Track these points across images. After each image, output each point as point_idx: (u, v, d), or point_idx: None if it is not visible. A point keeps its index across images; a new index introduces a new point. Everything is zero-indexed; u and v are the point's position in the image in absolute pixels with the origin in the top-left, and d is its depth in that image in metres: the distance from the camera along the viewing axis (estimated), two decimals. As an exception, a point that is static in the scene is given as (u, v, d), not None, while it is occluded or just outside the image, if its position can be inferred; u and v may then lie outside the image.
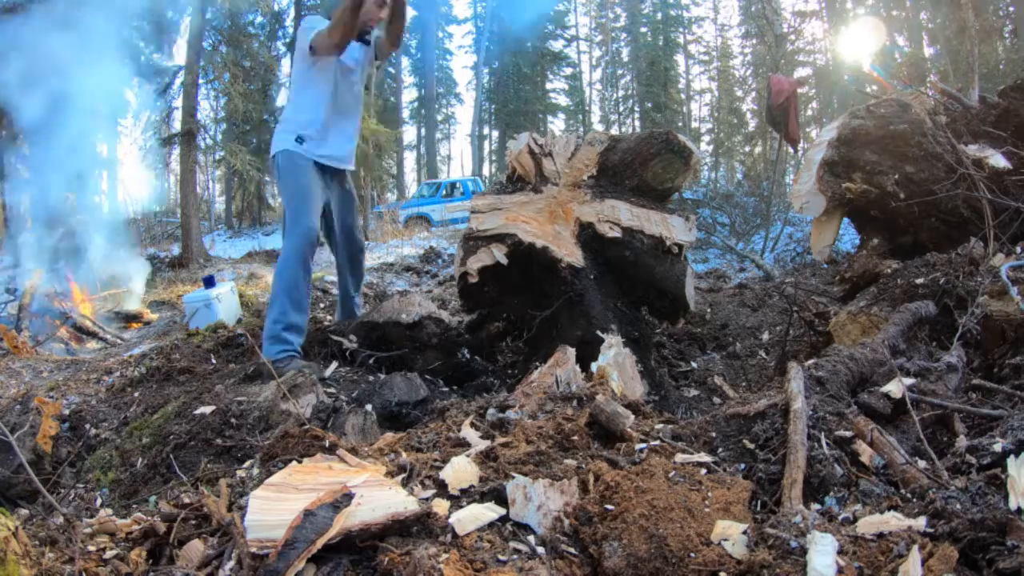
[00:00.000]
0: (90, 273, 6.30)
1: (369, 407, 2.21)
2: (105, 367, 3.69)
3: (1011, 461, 1.14)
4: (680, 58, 29.94)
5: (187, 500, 1.41)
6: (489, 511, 1.21)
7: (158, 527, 1.29)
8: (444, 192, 17.16)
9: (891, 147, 3.36)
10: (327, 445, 1.56)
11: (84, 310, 5.40)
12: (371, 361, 2.96)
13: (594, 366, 2.32)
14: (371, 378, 2.73)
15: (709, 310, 4.30)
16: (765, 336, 3.82)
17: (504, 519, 1.22)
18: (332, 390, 2.54)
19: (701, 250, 8.13)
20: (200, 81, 11.00)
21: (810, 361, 1.89)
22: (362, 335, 3.08)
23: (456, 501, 1.29)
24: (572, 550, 1.16)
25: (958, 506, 1.09)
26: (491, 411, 1.81)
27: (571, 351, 2.29)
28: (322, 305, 4.99)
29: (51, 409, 2.43)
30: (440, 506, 1.24)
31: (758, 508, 1.30)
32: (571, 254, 2.74)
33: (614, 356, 2.41)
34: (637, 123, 28.56)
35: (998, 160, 3.38)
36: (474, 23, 30.83)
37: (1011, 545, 0.98)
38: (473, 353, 3.14)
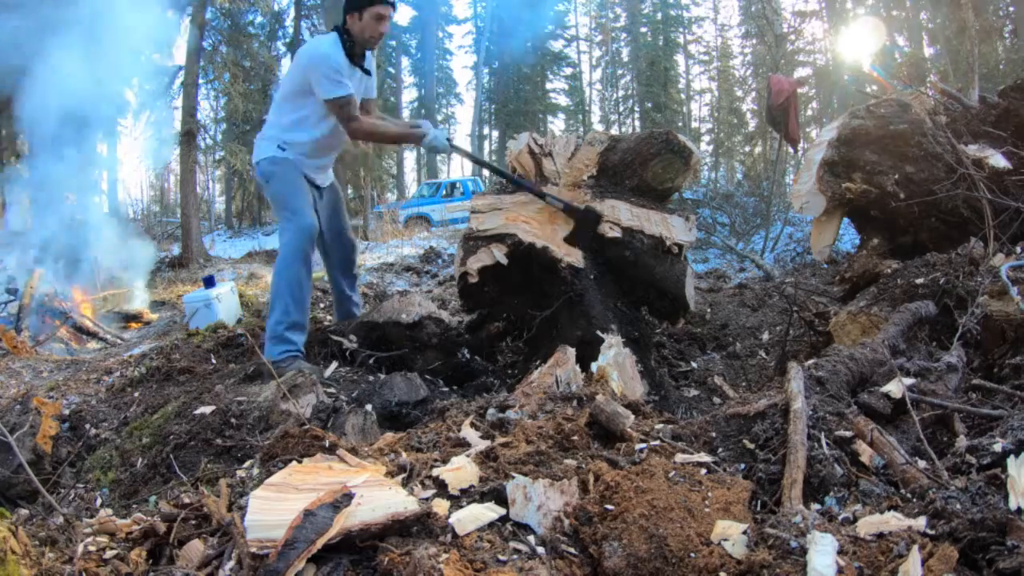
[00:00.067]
0: (91, 273, 6.30)
1: (369, 407, 2.21)
2: (105, 367, 3.70)
3: (1011, 461, 1.14)
4: (680, 58, 29.93)
5: (187, 500, 1.41)
6: (489, 511, 1.21)
7: (158, 527, 1.29)
8: (444, 192, 17.16)
9: (891, 147, 3.36)
10: (327, 445, 1.56)
11: (84, 310, 5.40)
12: (371, 361, 2.96)
13: (594, 366, 2.32)
14: (371, 378, 2.73)
15: (709, 310, 4.30)
16: (765, 336, 3.82)
17: (504, 519, 1.22)
18: (332, 390, 2.54)
19: (701, 250, 8.13)
20: (200, 81, 11.00)
21: (810, 361, 1.89)
22: (362, 335, 3.08)
23: (456, 501, 1.29)
24: (572, 550, 1.16)
25: (958, 506, 1.09)
26: (491, 411, 1.81)
27: (571, 351, 2.29)
28: (322, 305, 4.98)
29: (51, 409, 2.43)
30: (440, 506, 1.24)
31: (758, 508, 1.30)
32: (571, 254, 2.74)
33: (614, 356, 2.41)
34: (637, 123, 28.55)
35: (998, 160, 3.38)
36: (474, 23, 30.82)
37: (1011, 545, 0.98)
38: (473, 353, 3.14)
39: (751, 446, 1.51)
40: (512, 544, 1.15)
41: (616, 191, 2.84)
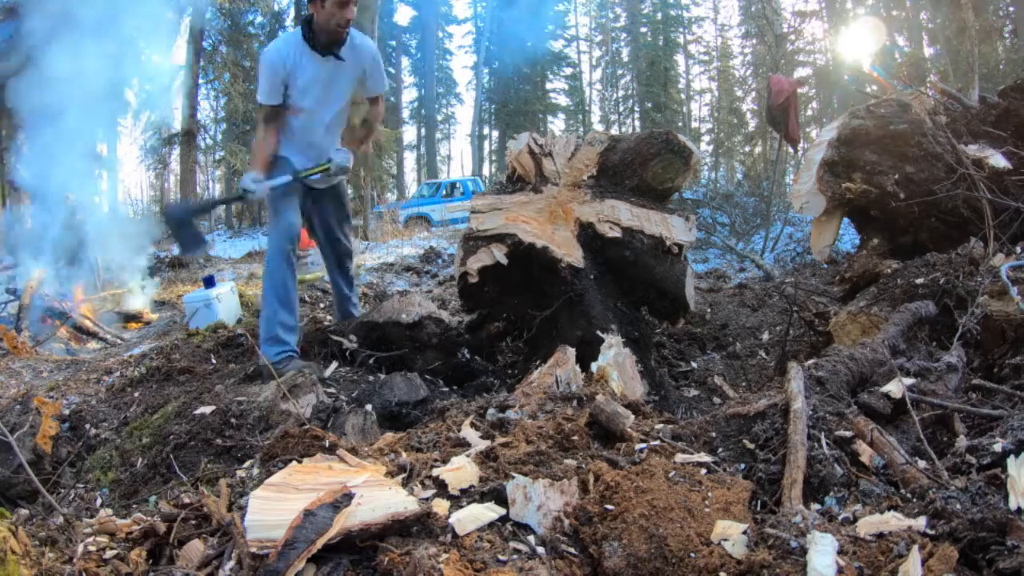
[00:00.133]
0: (91, 273, 6.30)
1: (369, 407, 2.21)
2: (105, 367, 3.70)
3: (1011, 461, 1.14)
4: (680, 58, 29.95)
5: (187, 500, 1.41)
6: (489, 511, 1.21)
7: (158, 527, 1.29)
8: (444, 192, 17.16)
9: (891, 147, 3.36)
10: (327, 445, 1.56)
11: (84, 310, 5.40)
12: (371, 361, 2.96)
13: (594, 366, 2.32)
14: (371, 378, 2.73)
15: (709, 310, 4.30)
16: (765, 336, 3.82)
17: (504, 519, 1.22)
18: (332, 390, 2.54)
19: (701, 250, 8.12)
20: (200, 81, 11.01)
21: (810, 361, 1.89)
22: (362, 335, 3.08)
23: (456, 501, 1.29)
24: (572, 550, 1.16)
25: (958, 506, 1.09)
26: (491, 411, 1.81)
27: (571, 351, 2.29)
28: (322, 305, 4.99)
29: (51, 409, 2.43)
30: (440, 506, 1.24)
31: (758, 508, 1.30)
32: (571, 254, 2.74)
33: (614, 356, 2.41)
34: (637, 123, 28.56)
35: (998, 160, 3.38)
36: (474, 23, 30.84)
37: (1011, 545, 0.98)
38: (473, 353, 3.14)
39: (751, 446, 1.51)
40: (512, 544, 1.15)
41: (616, 191, 2.84)
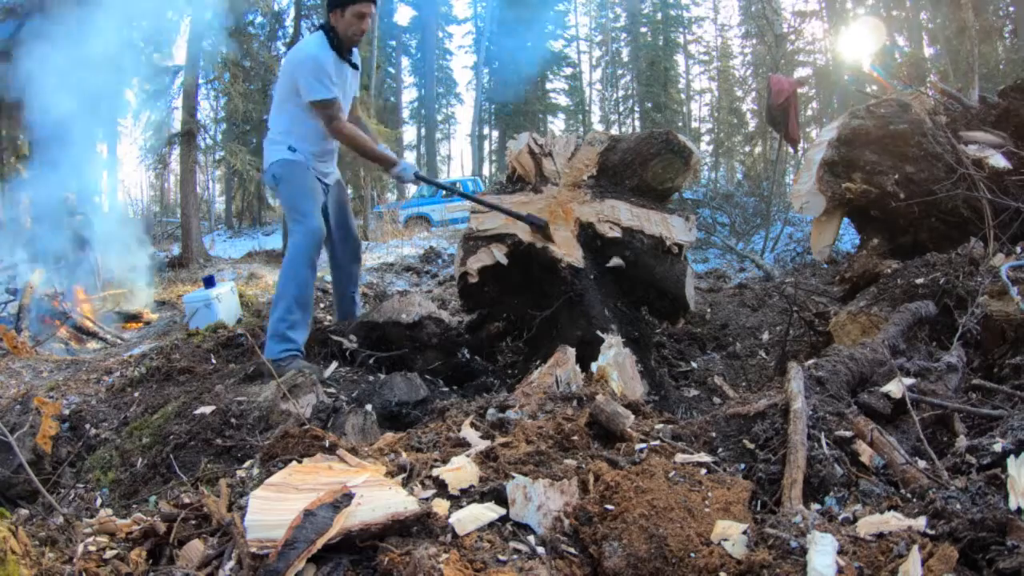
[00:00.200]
0: (91, 273, 6.30)
1: (369, 407, 2.21)
2: (105, 367, 3.70)
3: (1011, 461, 1.14)
4: (680, 58, 29.91)
5: (187, 500, 1.41)
6: (489, 511, 1.21)
7: (158, 527, 1.29)
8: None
9: (891, 147, 3.36)
10: (327, 445, 1.56)
11: (84, 310, 5.40)
12: (371, 361, 2.96)
13: (594, 366, 2.32)
14: (371, 378, 2.73)
15: (709, 310, 4.30)
16: (765, 336, 3.82)
17: (504, 519, 1.22)
18: (332, 390, 2.54)
19: (701, 250, 8.13)
20: (200, 81, 11.00)
21: (810, 361, 1.89)
22: (362, 335, 3.08)
23: (456, 501, 1.29)
24: (572, 550, 1.16)
25: (958, 506, 1.09)
26: (491, 411, 1.81)
27: (571, 351, 2.29)
28: (322, 305, 4.99)
29: (51, 409, 2.43)
30: (440, 506, 1.24)
31: (758, 508, 1.30)
32: (571, 254, 2.74)
33: (614, 356, 2.41)
34: (637, 123, 28.55)
35: (998, 160, 3.38)
36: (474, 23, 30.82)
37: (1011, 545, 0.98)
38: (473, 353, 3.14)
39: (751, 446, 1.51)
40: (512, 544, 1.15)
41: (616, 191, 2.84)
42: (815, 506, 1.28)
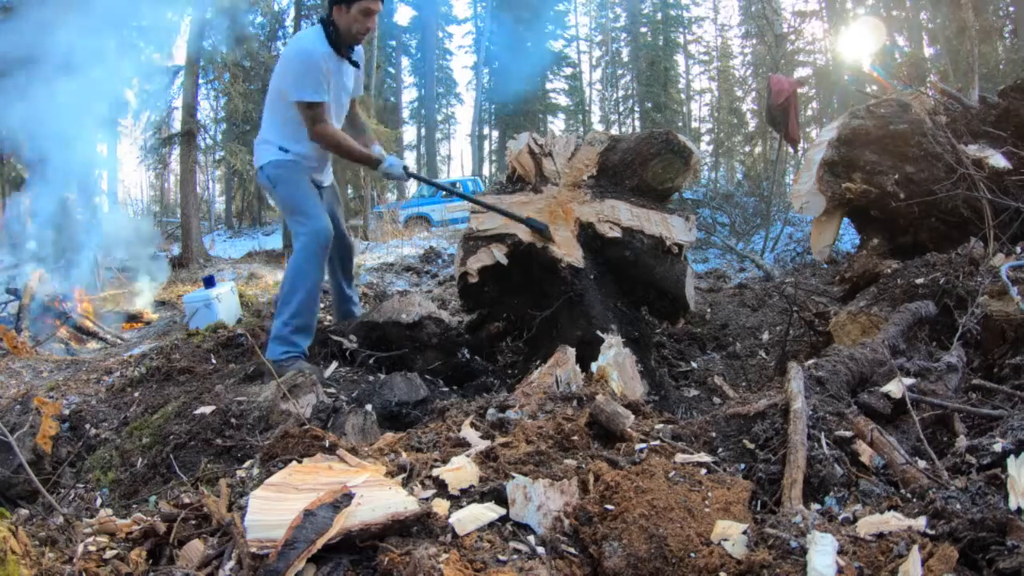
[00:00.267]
0: (91, 273, 6.30)
1: (369, 407, 2.21)
2: (105, 367, 3.70)
3: (1011, 461, 1.14)
4: (680, 58, 29.92)
5: (187, 500, 1.41)
6: (489, 511, 1.21)
7: (158, 527, 1.29)
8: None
9: (891, 147, 3.36)
10: (327, 445, 1.56)
11: (84, 310, 5.40)
12: (371, 361, 2.96)
13: (594, 366, 2.32)
14: (371, 378, 2.73)
15: (709, 310, 4.30)
16: (765, 336, 3.82)
17: (504, 519, 1.22)
18: (332, 390, 2.54)
19: (701, 250, 8.13)
20: (200, 81, 11.00)
21: (810, 361, 1.89)
22: (362, 335, 3.08)
23: (456, 501, 1.29)
24: (572, 550, 1.16)
25: (958, 506, 1.09)
26: (491, 411, 1.81)
27: (571, 351, 2.29)
28: (322, 305, 4.99)
29: (51, 409, 2.43)
30: (440, 506, 1.24)
31: (758, 508, 1.30)
32: (571, 254, 2.74)
33: (614, 356, 2.41)
34: (637, 123, 28.55)
35: (998, 160, 3.38)
36: (474, 23, 30.83)
37: (1011, 545, 0.98)
38: (473, 353, 3.14)
39: (751, 446, 1.51)
40: (512, 544, 1.15)
41: (616, 191, 2.84)
42: (815, 506, 1.28)
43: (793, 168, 14.70)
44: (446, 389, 2.85)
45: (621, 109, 29.92)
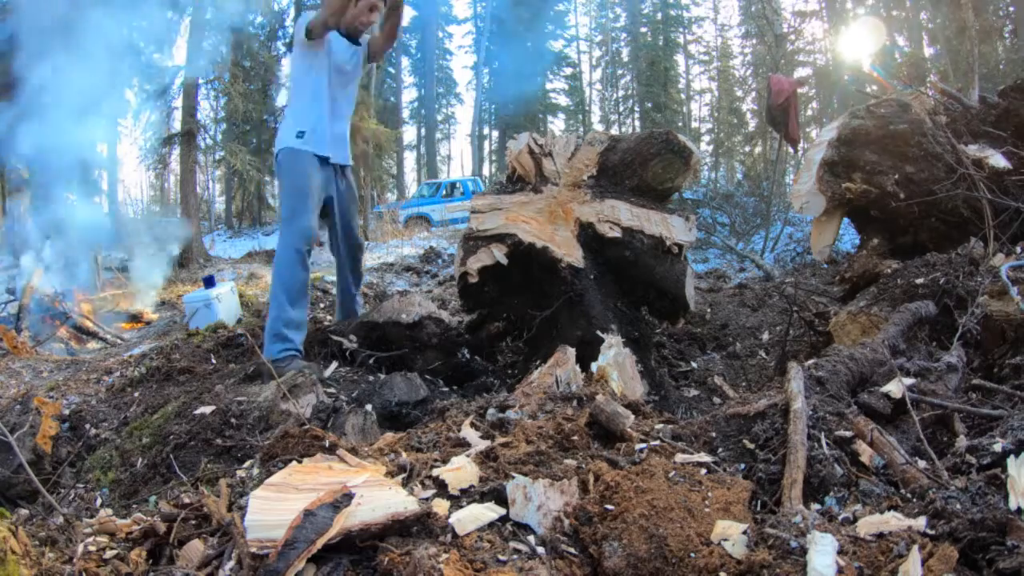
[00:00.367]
0: (91, 273, 6.30)
1: (369, 407, 2.21)
2: (105, 367, 3.70)
3: (1011, 461, 1.14)
4: (680, 58, 29.95)
5: (187, 500, 1.41)
6: (489, 511, 1.21)
7: (158, 527, 1.29)
8: (444, 192, 17.16)
9: (891, 147, 3.36)
10: (327, 445, 1.56)
11: (84, 310, 5.40)
12: (371, 361, 2.96)
13: (594, 366, 2.32)
14: (371, 378, 2.73)
15: (709, 310, 4.30)
16: (765, 336, 3.82)
17: (504, 519, 1.22)
18: (332, 390, 2.54)
19: (701, 250, 8.13)
20: (200, 81, 11.00)
21: (810, 361, 1.89)
22: (362, 335, 3.08)
23: (456, 501, 1.29)
24: (572, 550, 1.16)
25: (958, 506, 1.09)
26: (491, 411, 1.81)
27: (571, 351, 2.29)
28: (322, 305, 4.99)
29: (51, 409, 2.43)
30: (440, 506, 1.24)
31: (758, 508, 1.30)
32: (571, 254, 2.74)
33: (614, 356, 2.41)
34: (637, 123, 28.57)
35: (998, 160, 3.38)
36: (474, 23, 30.83)
37: (1011, 545, 0.98)
38: (473, 353, 3.14)
39: (751, 446, 1.51)
40: (512, 544, 1.15)
41: (616, 191, 2.84)
42: (815, 506, 1.28)
43: (793, 168, 14.71)
44: (446, 389, 2.85)
45: (621, 109, 29.93)
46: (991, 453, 1.35)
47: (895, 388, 1.68)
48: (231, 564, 1.11)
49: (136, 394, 2.85)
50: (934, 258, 2.81)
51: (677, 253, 2.81)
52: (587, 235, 2.78)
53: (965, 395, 1.87)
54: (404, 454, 1.52)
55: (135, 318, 5.86)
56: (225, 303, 4.79)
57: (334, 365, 2.87)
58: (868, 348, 1.97)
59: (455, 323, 3.21)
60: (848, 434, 1.47)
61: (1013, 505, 1.06)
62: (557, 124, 31.04)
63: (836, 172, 3.43)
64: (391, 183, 27.36)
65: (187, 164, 10.79)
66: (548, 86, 30.72)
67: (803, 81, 15.94)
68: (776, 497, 1.32)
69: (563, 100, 31.47)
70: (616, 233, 2.75)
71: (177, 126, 10.97)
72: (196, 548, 1.21)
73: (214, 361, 3.25)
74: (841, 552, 1.02)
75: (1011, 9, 13.35)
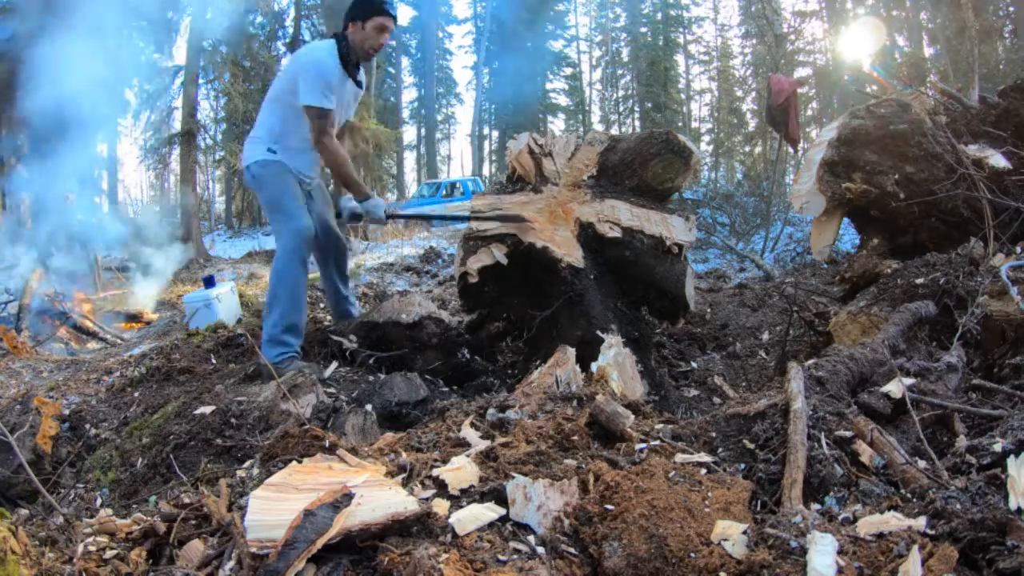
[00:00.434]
0: (91, 273, 6.30)
1: (369, 407, 2.21)
2: (105, 367, 3.70)
3: (1011, 461, 1.14)
4: (680, 58, 29.97)
5: (187, 500, 1.41)
6: (489, 511, 1.21)
7: (158, 527, 1.29)
8: (444, 192, 17.18)
9: (891, 147, 3.36)
10: (327, 445, 1.56)
11: (84, 310, 5.41)
12: (371, 361, 2.96)
13: (594, 366, 2.32)
14: (371, 378, 2.73)
15: (709, 310, 4.30)
16: (765, 336, 3.82)
17: (504, 519, 1.22)
18: (332, 390, 2.54)
19: (701, 250, 8.13)
20: (200, 81, 11.01)
21: (810, 361, 1.89)
22: (362, 335, 3.08)
23: (456, 501, 1.29)
24: (572, 550, 1.16)
25: (958, 506, 1.09)
26: (491, 411, 1.81)
27: (571, 351, 2.29)
28: (322, 305, 4.98)
29: (51, 409, 2.43)
30: (440, 506, 1.24)
31: (758, 508, 1.30)
32: (571, 254, 2.74)
33: (614, 356, 2.41)
34: (637, 123, 28.58)
35: (998, 160, 3.38)
36: (474, 23, 30.84)
37: (1011, 545, 0.98)
38: (473, 353, 3.14)
39: (751, 446, 1.51)
40: (512, 544, 1.15)
41: (616, 191, 2.84)
42: (815, 506, 1.28)
43: (793, 168, 14.71)
44: (446, 389, 2.85)
45: (621, 109, 29.94)
46: (991, 453, 1.35)
47: (895, 388, 1.68)
48: (231, 564, 1.11)
49: (136, 394, 2.85)
50: (934, 258, 2.81)
51: (677, 253, 2.81)
52: (587, 235, 2.78)
53: (965, 395, 1.87)
54: (404, 454, 1.52)
55: (135, 318, 5.86)
56: (225, 303, 4.79)
57: (334, 365, 2.87)
58: (868, 348, 1.97)
59: (455, 323, 3.21)
60: (848, 434, 1.47)
61: (1013, 505, 1.06)
62: (557, 124, 31.07)
63: (836, 172, 3.43)
64: (391, 183, 27.38)
65: (187, 164, 10.80)
66: (548, 86, 30.74)
67: (803, 81, 15.94)
68: (776, 497, 1.32)
69: (563, 100, 31.50)
70: (616, 233, 2.75)
71: (177, 126, 10.98)
72: (196, 548, 1.21)
73: (214, 361, 3.24)
74: (841, 552, 1.02)
75: (1011, 9, 13.35)
